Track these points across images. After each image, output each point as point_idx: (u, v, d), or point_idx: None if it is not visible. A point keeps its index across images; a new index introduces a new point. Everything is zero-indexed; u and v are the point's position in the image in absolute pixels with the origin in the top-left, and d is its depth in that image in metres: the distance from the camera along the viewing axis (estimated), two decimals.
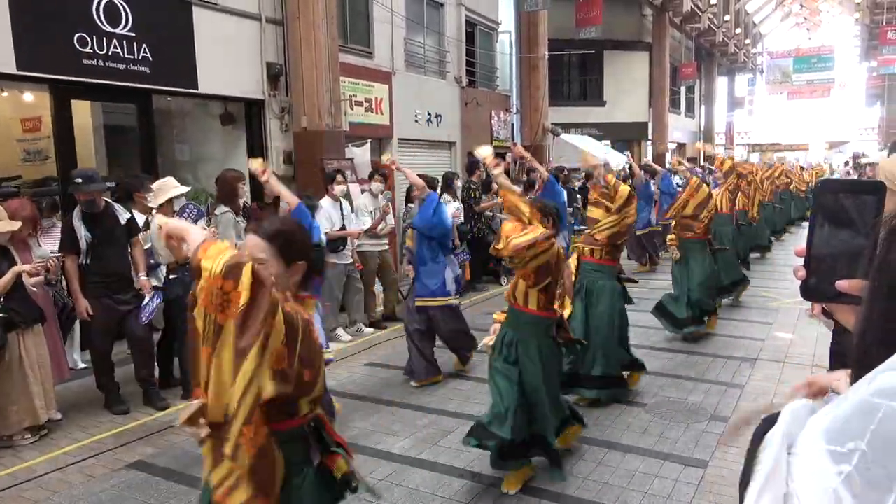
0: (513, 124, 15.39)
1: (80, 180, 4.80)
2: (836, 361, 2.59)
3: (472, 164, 9.69)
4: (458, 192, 9.15)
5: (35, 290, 4.57)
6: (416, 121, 11.69)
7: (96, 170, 5.53)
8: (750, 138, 41.39)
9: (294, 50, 8.47)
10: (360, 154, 9.22)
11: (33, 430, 4.46)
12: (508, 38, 15.48)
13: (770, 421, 0.64)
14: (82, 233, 4.79)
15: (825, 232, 0.77)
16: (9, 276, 4.26)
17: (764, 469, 0.58)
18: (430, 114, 12.05)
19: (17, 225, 4.45)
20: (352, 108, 9.48)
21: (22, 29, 5.87)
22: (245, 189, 5.92)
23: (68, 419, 4.79)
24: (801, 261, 0.79)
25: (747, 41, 33.72)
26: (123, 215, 5.03)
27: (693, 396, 5.00)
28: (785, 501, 0.57)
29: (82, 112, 7.29)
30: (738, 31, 31.17)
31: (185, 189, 5.32)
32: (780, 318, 7.46)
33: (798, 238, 14.49)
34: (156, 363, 5.28)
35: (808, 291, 0.79)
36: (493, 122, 14.30)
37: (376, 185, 7.50)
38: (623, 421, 4.56)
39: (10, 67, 5.83)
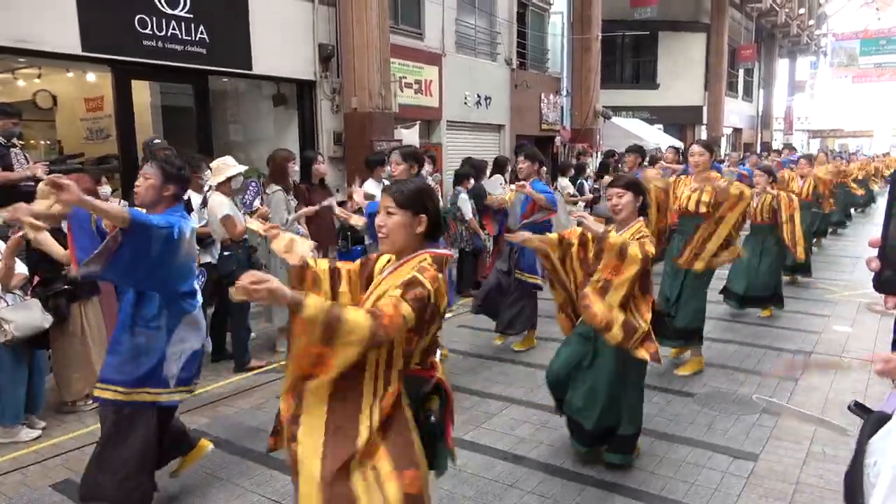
0: (562, 107, 15.16)
1: (158, 141, 5.26)
2: None
3: (521, 148, 9.59)
4: (507, 177, 9.09)
5: None
6: (465, 103, 11.64)
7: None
8: (810, 123, 39.78)
9: (345, 31, 8.51)
10: (409, 136, 9.25)
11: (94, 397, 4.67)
12: (560, 19, 15.21)
13: (875, 422, 0.61)
14: None
15: None
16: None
17: (887, 475, 0.54)
18: (479, 96, 11.97)
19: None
20: (401, 90, 9.50)
21: (86, 11, 6.07)
22: (295, 168, 6.01)
23: None
24: (874, 252, 0.77)
25: (811, 22, 32.28)
26: None
27: (744, 388, 4.89)
28: None
29: (141, 92, 7.50)
30: (802, 11, 29.86)
31: (242, 168, 5.40)
32: (838, 310, 7.20)
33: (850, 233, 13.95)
34: (209, 338, 5.42)
35: (882, 284, 0.77)
36: (542, 104, 14.13)
37: (426, 168, 7.53)
38: (671, 410, 4.49)
39: (76, 48, 6.05)
